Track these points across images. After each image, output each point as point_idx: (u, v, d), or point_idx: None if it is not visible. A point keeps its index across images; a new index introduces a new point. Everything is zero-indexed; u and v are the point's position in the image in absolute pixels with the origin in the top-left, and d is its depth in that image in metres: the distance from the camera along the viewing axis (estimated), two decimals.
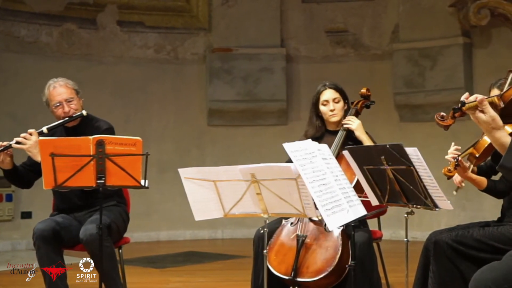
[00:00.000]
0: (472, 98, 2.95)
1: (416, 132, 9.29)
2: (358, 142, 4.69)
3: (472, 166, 4.01)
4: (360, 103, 4.90)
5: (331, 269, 4.06)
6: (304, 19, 10.16)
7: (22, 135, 4.55)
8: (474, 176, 3.94)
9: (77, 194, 4.74)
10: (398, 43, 9.63)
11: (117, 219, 4.76)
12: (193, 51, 10.13)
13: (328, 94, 4.79)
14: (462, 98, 2.96)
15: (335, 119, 4.79)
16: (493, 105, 2.89)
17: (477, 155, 3.76)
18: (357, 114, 4.85)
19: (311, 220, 4.28)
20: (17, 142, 4.53)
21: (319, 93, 4.83)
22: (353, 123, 4.72)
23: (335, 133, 4.77)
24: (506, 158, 2.83)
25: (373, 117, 8.74)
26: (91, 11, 9.68)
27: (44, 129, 4.63)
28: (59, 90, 4.80)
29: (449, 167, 3.65)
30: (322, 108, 4.81)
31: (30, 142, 4.51)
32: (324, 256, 4.15)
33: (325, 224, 4.12)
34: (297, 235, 4.23)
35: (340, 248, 4.12)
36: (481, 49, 9.24)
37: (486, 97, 2.89)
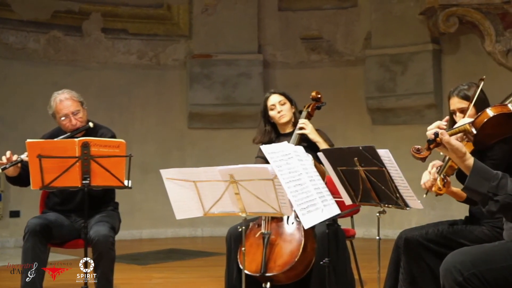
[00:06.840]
0: (432, 126, 3.05)
1: (387, 134, 9.37)
2: (312, 142, 4.82)
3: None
4: (311, 105, 5.03)
5: (296, 259, 4.22)
6: (280, 26, 10.23)
7: None
8: (455, 189, 3.91)
9: (78, 197, 4.83)
10: (370, 50, 9.69)
11: (116, 224, 4.90)
12: (174, 57, 10.22)
13: (274, 99, 4.99)
14: (431, 132, 2.97)
15: (284, 119, 4.97)
16: (465, 132, 2.91)
17: (456, 167, 3.65)
18: (309, 116, 4.98)
19: (273, 217, 4.40)
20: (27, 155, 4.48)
21: (266, 100, 5.03)
22: (307, 127, 4.84)
23: (289, 135, 4.90)
24: (469, 181, 2.87)
25: (346, 120, 9.01)
26: (77, 19, 9.75)
27: None
28: (65, 103, 4.82)
29: (439, 185, 3.62)
30: (271, 113, 5.00)
31: None
32: (289, 249, 4.29)
33: (292, 219, 4.35)
34: (262, 233, 4.36)
35: (303, 239, 4.27)
36: (450, 55, 9.36)
37: (453, 128, 2.94)
